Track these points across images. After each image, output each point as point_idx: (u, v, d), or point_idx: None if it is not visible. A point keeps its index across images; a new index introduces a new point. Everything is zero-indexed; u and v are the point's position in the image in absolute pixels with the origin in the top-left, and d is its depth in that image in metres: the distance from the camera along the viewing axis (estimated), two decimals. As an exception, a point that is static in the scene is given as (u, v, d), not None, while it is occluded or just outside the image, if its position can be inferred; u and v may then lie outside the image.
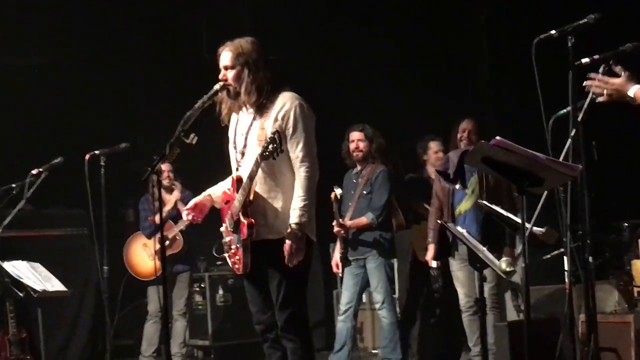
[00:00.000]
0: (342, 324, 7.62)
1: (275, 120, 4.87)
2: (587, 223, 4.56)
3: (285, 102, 4.90)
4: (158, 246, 5.11)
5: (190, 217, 5.18)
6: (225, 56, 5.00)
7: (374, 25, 10.00)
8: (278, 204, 4.90)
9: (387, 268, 7.57)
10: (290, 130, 4.86)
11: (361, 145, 7.62)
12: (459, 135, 6.97)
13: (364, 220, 7.55)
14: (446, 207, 7.02)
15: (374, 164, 7.65)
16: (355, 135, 7.65)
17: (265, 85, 4.93)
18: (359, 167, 7.70)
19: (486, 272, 6.67)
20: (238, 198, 4.90)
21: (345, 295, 7.67)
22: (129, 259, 8.54)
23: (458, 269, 6.99)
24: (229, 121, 5.13)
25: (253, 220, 4.85)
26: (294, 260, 4.80)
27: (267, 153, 4.64)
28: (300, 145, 4.86)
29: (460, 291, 7.02)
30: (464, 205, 6.90)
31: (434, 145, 8.18)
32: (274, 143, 4.61)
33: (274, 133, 4.64)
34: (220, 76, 4.99)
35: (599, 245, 7.01)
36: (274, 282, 4.91)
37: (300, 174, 4.86)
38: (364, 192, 7.59)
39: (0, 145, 9.92)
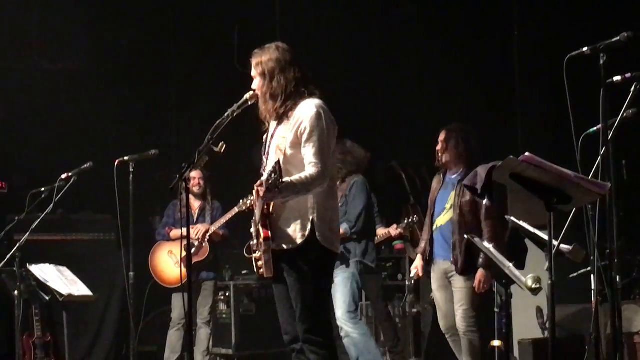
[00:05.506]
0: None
1: (293, 127, 4.81)
2: (615, 242, 4.52)
3: (303, 110, 4.81)
4: (184, 254, 5.13)
5: None
6: (253, 65, 5.00)
7: (401, 38, 10.02)
8: (293, 214, 4.82)
9: (354, 283, 7.40)
10: (305, 137, 4.77)
11: None
12: (437, 148, 6.76)
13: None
14: (429, 217, 6.79)
15: (348, 177, 7.54)
16: None
17: (281, 93, 4.87)
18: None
19: (456, 292, 6.50)
20: (258, 206, 4.85)
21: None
22: (154, 266, 8.54)
23: (435, 289, 6.74)
24: (266, 130, 5.08)
25: (270, 233, 4.78)
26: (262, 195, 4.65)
27: (270, 183, 4.51)
28: (313, 152, 4.74)
29: (439, 313, 6.74)
30: (440, 220, 6.67)
31: None
32: (274, 173, 4.48)
33: (276, 163, 4.50)
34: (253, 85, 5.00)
35: (626, 265, 6.95)
36: (293, 292, 4.86)
37: (307, 171, 4.74)
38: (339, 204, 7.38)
39: (30, 150, 10.02)
